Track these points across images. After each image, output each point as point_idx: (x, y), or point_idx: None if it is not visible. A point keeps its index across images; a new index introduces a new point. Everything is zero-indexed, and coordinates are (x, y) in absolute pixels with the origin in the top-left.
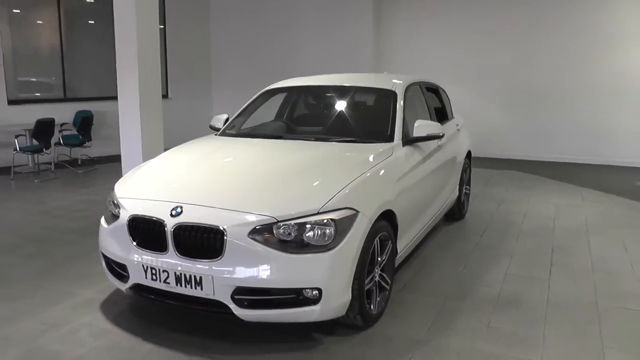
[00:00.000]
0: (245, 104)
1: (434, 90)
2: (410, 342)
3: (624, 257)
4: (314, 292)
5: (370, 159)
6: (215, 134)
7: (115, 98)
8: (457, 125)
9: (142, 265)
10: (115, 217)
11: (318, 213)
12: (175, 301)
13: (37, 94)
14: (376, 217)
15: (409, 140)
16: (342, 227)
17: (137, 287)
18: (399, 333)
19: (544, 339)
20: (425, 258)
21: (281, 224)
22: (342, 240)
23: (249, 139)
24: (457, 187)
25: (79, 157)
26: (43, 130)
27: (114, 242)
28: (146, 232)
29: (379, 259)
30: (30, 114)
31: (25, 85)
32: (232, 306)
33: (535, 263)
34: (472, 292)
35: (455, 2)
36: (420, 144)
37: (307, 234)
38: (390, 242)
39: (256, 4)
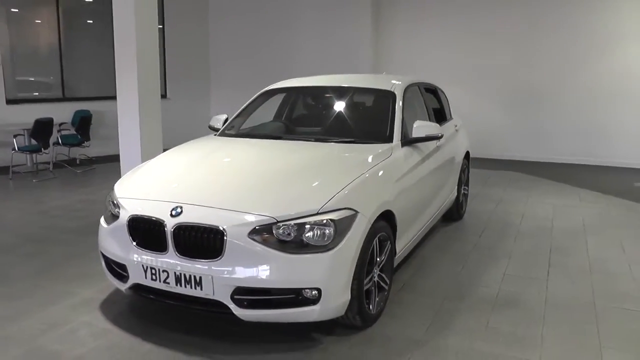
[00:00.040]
0: (245, 104)
1: (432, 91)
2: (409, 342)
3: (622, 257)
4: (313, 292)
5: (370, 159)
6: (215, 134)
7: (113, 98)
8: (456, 126)
9: (142, 265)
10: (115, 217)
11: (317, 213)
12: (174, 301)
13: (35, 94)
14: (375, 217)
15: (407, 141)
16: (341, 227)
17: (136, 287)
18: (397, 333)
19: (542, 339)
20: (423, 258)
21: (281, 224)
22: (341, 241)
23: (248, 139)
24: (456, 187)
25: (78, 156)
26: (41, 129)
27: (114, 242)
28: (146, 232)
29: (378, 259)
30: (29, 114)
31: (24, 85)
32: (232, 306)
33: (533, 263)
34: (470, 292)
35: (454, 3)
36: (419, 144)
37: (307, 234)
38: (389, 242)
39: (255, 4)
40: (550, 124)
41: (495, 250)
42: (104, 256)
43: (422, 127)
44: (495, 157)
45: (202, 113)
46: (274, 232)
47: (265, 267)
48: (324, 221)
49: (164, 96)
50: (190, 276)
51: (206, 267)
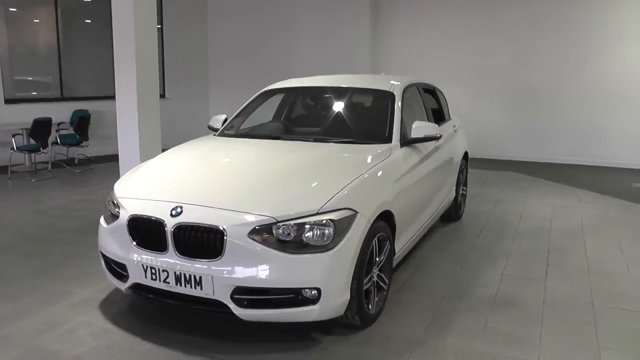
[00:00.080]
0: (244, 105)
1: (431, 91)
2: (408, 341)
3: (620, 258)
4: (313, 292)
5: (369, 160)
6: (214, 134)
7: (112, 97)
8: (454, 126)
9: (142, 265)
10: (115, 216)
11: (317, 213)
12: (174, 300)
13: (34, 93)
14: (375, 217)
15: (406, 141)
16: (341, 227)
17: (136, 287)
18: (396, 333)
19: (540, 339)
20: (422, 258)
21: (281, 224)
22: (341, 241)
23: (247, 139)
24: (454, 188)
25: (76, 156)
26: (40, 129)
27: (114, 241)
28: (146, 231)
29: (377, 259)
30: (28, 113)
31: (22, 84)
32: (232, 306)
33: (532, 264)
34: (468, 292)
35: (452, 3)
36: (418, 145)
37: (307, 234)
38: (388, 242)
39: (254, 4)
40: (549, 124)
41: (493, 251)
42: (103, 256)
43: (421, 127)
44: (494, 157)
45: (201, 113)
46: (273, 232)
47: (265, 266)
48: (324, 221)
49: (162, 96)
50: (190, 276)
51: (206, 267)
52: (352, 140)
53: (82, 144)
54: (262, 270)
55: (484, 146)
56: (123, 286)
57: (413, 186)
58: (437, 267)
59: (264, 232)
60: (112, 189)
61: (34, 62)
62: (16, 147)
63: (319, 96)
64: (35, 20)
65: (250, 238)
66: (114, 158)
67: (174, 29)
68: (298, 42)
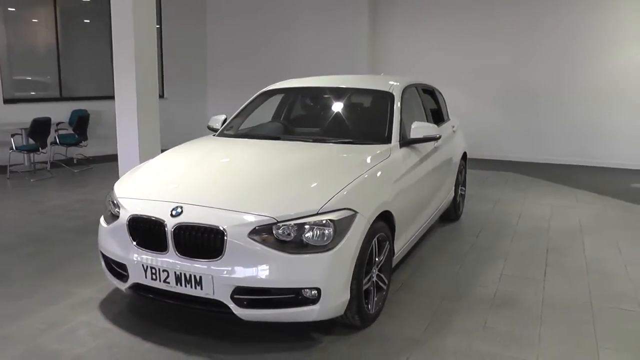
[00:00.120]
0: (243, 105)
1: (430, 92)
2: (408, 341)
3: (618, 258)
4: (313, 292)
5: (368, 160)
6: (214, 135)
7: (110, 97)
8: (453, 127)
9: (142, 265)
10: (115, 217)
11: (317, 214)
12: (174, 300)
13: (32, 93)
14: (374, 217)
15: (406, 141)
16: (341, 227)
17: (136, 287)
18: (396, 333)
19: (539, 338)
20: (421, 259)
21: (281, 224)
22: (341, 241)
23: (247, 139)
24: (453, 188)
25: (75, 156)
26: (39, 129)
27: (114, 241)
28: (146, 232)
29: (377, 259)
30: (26, 113)
31: (21, 84)
32: (232, 306)
33: (530, 264)
34: (468, 292)
35: (451, 4)
36: (417, 145)
37: (307, 235)
38: (387, 242)
39: (252, 4)
40: (547, 125)
41: (492, 251)
42: (103, 256)
43: (420, 128)
44: (493, 157)
45: (199, 113)
46: (274, 232)
47: (265, 267)
48: (324, 221)
49: (161, 96)
50: (190, 276)
51: (206, 267)
52: (351, 140)
53: (81, 144)
54: (262, 270)
55: (482, 146)
56: (123, 286)
57: (412, 186)
58: (436, 267)
59: (264, 232)
60: (112, 189)
61: (33, 62)
62: (15, 147)
63: (319, 96)
64: (34, 20)
65: (250, 238)
66: (113, 158)
67: (172, 29)
68: (297, 42)
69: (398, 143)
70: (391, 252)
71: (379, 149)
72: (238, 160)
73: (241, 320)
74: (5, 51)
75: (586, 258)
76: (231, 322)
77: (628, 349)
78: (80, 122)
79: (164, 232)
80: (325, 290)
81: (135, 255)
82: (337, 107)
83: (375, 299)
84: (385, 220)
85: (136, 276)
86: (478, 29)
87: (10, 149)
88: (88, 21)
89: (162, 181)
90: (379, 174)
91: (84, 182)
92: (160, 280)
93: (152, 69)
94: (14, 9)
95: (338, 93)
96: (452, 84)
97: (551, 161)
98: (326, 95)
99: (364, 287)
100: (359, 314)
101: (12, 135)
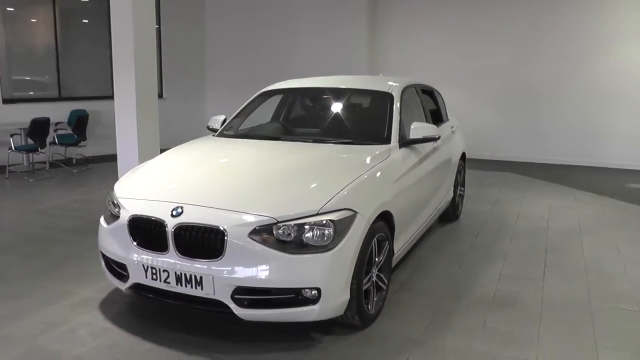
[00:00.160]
0: (243, 105)
1: (429, 92)
2: (407, 341)
3: (617, 258)
4: (313, 292)
5: (368, 160)
6: (213, 135)
7: (109, 97)
8: (452, 127)
9: (142, 265)
10: (115, 217)
11: (317, 214)
12: (174, 300)
13: (31, 93)
14: (374, 218)
15: (405, 142)
16: (341, 228)
17: (136, 287)
18: (396, 333)
19: (538, 338)
20: (420, 259)
21: (281, 224)
22: (340, 241)
23: (247, 140)
24: (452, 188)
25: (74, 156)
26: (38, 129)
27: (114, 241)
28: (147, 232)
29: (377, 259)
30: (25, 113)
31: (20, 84)
32: (232, 306)
33: (529, 263)
34: (467, 292)
35: (450, 4)
36: (417, 146)
37: (307, 235)
38: (387, 242)
39: (251, 4)
40: (546, 125)
41: (491, 251)
42: (103, 256)
43: (419, 128)
44: (492, 158)
45: (198, 113)
46: (274, 232)
47: (265, 267)
48: (324, 222)
49: (160, 96)
50: (190, 276)
51: (206, 267)
52: (351, 141)
53: (80, 144)
54: (262, 270)
55: (481, 147)
56: (123, 286)
57: (412, 187)
58: (436, 267)
59: (264, 233)
60: (112, 189)
61: (31, 62)
62: (14, 147)
63: (318, 97)
64: (33, 20)
65: (250, 238)
66: (112, 158)
67: (171, 29)
68: (295, 42)
69: (397, 143)
70: (391, 252)
71: (378, 149)
72: (238, 161)
73: (241, 320)
74: (4, 51)
75: (585, 258)
76: (231, 322)
77: (627, 348)
78: (79, 122)
79: (165, 232)
80: (325, 290)
81: (136, 255)
82: (337, 107)
83: (375, 299)
84: (384, 221)
85: (136, 276)
86: (477, 29)
87: (9, 149)
88: (87, 21)
89: (163, 181)
90: (378, 174)
91: (83, 182)
92: (160, 280)
93: (152, 69)
94: (12, 9)
95: (337, 93)
96: (451, 84)
97: (550, 161)
98: (325, 96)
99: (364, 287)
100: (359, 314)
101: (11, 135)
